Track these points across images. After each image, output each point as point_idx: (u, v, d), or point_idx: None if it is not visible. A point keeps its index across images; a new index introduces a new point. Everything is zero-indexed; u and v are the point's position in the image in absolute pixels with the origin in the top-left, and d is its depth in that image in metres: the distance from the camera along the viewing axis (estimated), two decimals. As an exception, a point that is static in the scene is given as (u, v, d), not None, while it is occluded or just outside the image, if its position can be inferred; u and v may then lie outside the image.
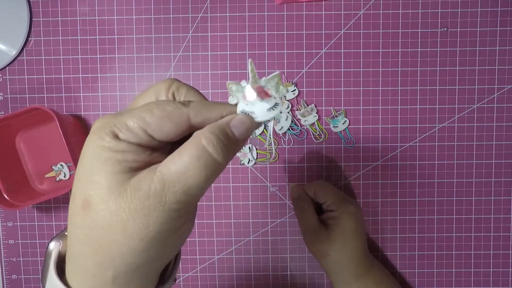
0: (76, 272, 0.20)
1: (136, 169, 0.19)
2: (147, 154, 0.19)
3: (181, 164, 0.18)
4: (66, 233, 0.21)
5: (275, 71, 0.21)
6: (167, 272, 0.23)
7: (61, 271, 0.21)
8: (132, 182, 0.18)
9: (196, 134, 0.19)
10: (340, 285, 0.43)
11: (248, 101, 0.20)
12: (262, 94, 0.20)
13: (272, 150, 0.23)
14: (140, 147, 0.19)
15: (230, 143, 0.19)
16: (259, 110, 0.20)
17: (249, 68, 0.20)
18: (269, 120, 0.21)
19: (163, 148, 0.21)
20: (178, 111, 0.19)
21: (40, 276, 0.26)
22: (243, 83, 0.20)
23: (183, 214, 0.19)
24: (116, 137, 0.19)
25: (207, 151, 0.18)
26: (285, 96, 0.48)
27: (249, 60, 0.21)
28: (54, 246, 0.22)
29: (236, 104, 0.21)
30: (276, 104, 0.21)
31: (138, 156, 0.19)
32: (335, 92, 0.48)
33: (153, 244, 0.18)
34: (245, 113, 0.21)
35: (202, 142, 0.18)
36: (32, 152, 0.48)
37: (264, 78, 0.20)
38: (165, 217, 0.18)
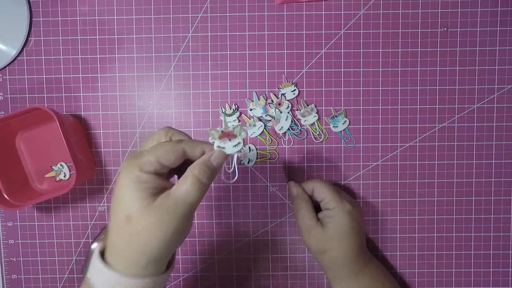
0: (120, 261, 0.29)
1: (155, 194, 0.29)
2: (160, 181, 0.29)
3: (185, 189, 0.29)
4: (102, 236, 0.32)
5: (239, 123, 0.36)
6: (169, 262, 0.33)
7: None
8: (156, 203, 0.28)
9: (190, 168, 0.30)
10: (336, 281, 0.44)
11: (221, 140, 0.31)
12: (230, 136, 0.31)
13: (235, 173, 0.35)
14: (155, 175, 0.29)
15: (212, 171, 0.30)
16: (228, 146, 0.31)
17: (223, 121, 0.35)
18: (237, 152, 0.32)
19: (167, 174, 0.32)
20: (176, 147, 0.30)
21: (83, 267, 0.35)
22: (219, 128, 0.32)
23: (187, 218, 0.30)
24: (141, 170, 0.29)
25: (200, 179, 0.29)
26: (285, 96, 0.48)
27: (224, 118, 0.37)
28: (96, 246, 0.31)
29: (213, 143, 0.32)
30: (239, 143, 0.32)
31: (155, 184, 0.29)
32: (335, 92, 0.48)
33: (172, 239, 0.29)
34: (219, 147, 0.31)
35: (196, 173, 0.29)
36: (32, 152, 0.48)
37: (232, 126, 0.32)
38: (178, 222, 0.29)
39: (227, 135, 0.32)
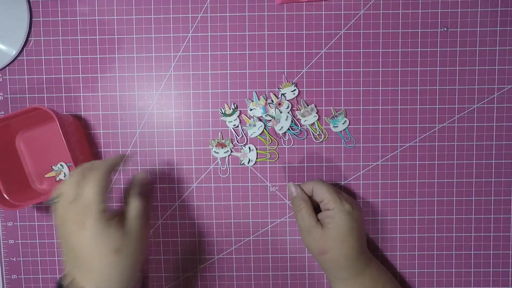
0: None
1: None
2: None
3: None
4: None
5: (229, 138, 0.48)
6: None
7: None
8: None
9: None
10: (337, 282, 0.44)
11: (217, 147, 0.48)
12: (220, 145, 0.48)
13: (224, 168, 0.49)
14: None
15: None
16: (221, 152, 0.48)
17: (219, 138, 0.48)
18: (229, 155, 0.48)
19: None
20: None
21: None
22: (216, 140, 0.48)
23: None
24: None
25: None
26: (285, 96, 0.48)
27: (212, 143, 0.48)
28: None
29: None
30: (227, 150, 0.48)
31: None
32: (335, 92, 0.48)
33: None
34: (216, 153, 0.48)
35: None
36: (32, 152, 0.48)
37: (223, 140, 0.48)
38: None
39: (221, 145, 0.48)
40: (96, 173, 0.35)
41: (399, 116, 0.48)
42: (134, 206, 0.37)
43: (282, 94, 0.48)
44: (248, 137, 0.48)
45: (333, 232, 0.41)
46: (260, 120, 0.48)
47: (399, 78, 0.48)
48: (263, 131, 0.48)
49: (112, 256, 0.33)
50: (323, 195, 0.43)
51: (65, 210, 0.34)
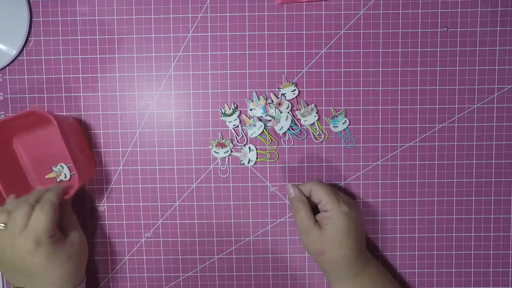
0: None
1: None
2: None
3: None
4: None
5: (229, 138, 0.48)
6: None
7: None
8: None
9: None
10: (336, 283, 0.44)
11: (216, 148, 0.48)
12: (220, 145, 0.48)
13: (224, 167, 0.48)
14: None
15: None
16: (221, 152, 0.48)
17: (219, 138, 0.48)
18: (229, 154, 0.48)
19: None
20: None
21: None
22: (216, 140, 0.48)
23: None
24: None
25: None
26: (285, 96, 0.48)
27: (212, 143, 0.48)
28: None
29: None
30: (227, 150, 0.48)
31: None
32: (335, 92, 0.48)
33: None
34: (216, 152, 0.48)
35: None
36: (32, 153, 0.48)
37: (223, 140, 0.48)
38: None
39: (221, 145, 0.48)
40: (48, 205, 0.40)
41: (399, 116, 0.48)
42: (69, 221, 0.44)
43: (282, 94, 0.48)
44: (248, 137, 0.48)
45: (331, 233, 0.41)
46: (260, 120, 0.48)
47: (399, 78, 0.48)
48: (263, 131, 0.48)
49: (67, 263, 0.41)
50: (321, 196, 0.43)
51: (15, 238, 0.38)
